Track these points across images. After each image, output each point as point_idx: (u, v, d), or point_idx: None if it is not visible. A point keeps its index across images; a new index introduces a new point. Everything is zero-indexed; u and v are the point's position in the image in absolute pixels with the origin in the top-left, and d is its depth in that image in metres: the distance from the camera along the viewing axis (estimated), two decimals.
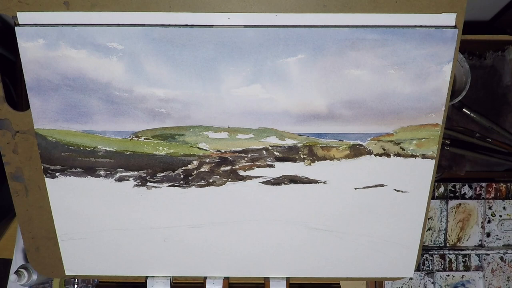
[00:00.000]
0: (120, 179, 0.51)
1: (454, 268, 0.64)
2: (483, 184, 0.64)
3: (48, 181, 0.51)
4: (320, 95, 0.48)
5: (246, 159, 0.50)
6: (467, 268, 0.64)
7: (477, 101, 0.63)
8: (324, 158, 0.50)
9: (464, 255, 0.64)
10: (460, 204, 0.64)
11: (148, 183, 0.51)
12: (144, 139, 0.49)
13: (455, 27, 0.45)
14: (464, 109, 0.62)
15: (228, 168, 0.51)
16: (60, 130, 0.49)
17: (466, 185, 0.64)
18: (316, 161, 0.50)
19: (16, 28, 0.45)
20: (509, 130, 0.64)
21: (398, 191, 0.52)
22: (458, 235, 0.64)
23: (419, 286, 0.64)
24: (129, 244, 0.55)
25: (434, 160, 0.50)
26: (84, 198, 0.52)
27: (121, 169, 0.51)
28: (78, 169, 0.51)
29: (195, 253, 0.55)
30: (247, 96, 0.48)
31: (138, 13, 0.45)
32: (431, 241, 0.64)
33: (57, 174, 0.51)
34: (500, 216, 0.64)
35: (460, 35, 0.45)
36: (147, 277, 0.57)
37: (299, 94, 0.48)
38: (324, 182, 0.51)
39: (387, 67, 0.46)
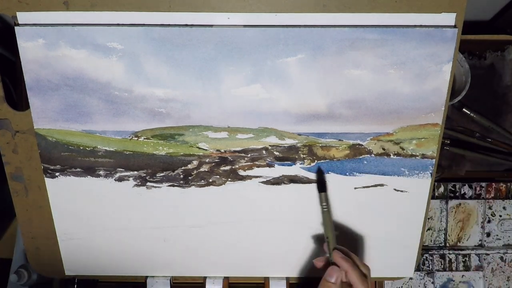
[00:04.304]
0: (120, 179, 0.51)
1: (454, 268, 0.64)
2: (483, 184, 0.64)
3: (48, 181, 0.51)
4: (320, 95, 0.48)
5: (246, 159, 0.50)
6: (467, 268, 0.64)
7: (477, 101, 0.63)
8: (324, 158, 0.50)
9: (464, 255, 0.64)
10: (460, 204, 0.64)
11: (148, 183, 0.51)
12: (144, 139, 0.49)
13: (454, 26, 0.45)
14: (464, 109, 0.62)
15: (228, 168, 0.51)
16: (60, 130, 0.49)
17: (466, 185, 0.64)
18: (316, 160, 0.50)
19: (16, 28, 0.45)
20: (509, 130, 0.64)
21: (398, 191, 0.52)
22: (458, 235, 0.64)
23: (419, 286, 0.64)
24: (129, 244, 0.55)
25: (434, 160, 0.50)
26: (84, 198, 0.52)
27: (121, 169, 0.51)
28: (78, 169, 0.51)
29: (195, 253, 0.55)
30: (247, 96, 0.48)
31: (138, 13, 0.45)
32: (431, 241, 0.64)
33: (57, 174, 0.51)
34: (500, 216, 0.64)
35: (460, 35, 0.45)
36: (147, 277, 0.57)
37: (299, 94, 0.48)
38: None
39: (386, 67, 0.46)
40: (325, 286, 0.45)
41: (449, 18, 0.45)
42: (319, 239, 0.54)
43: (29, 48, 0.46)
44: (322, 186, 0.50)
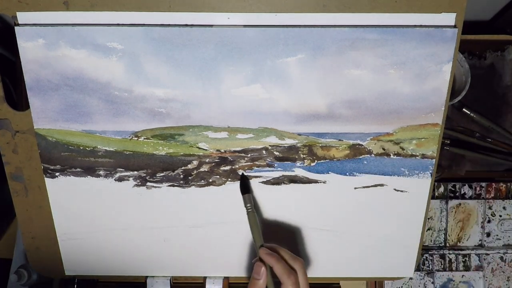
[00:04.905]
0: (120, 179, 0.51)
1: (454, 268, 0.64)
2: (483, 184, 0.64)
3: (48, 181, 0.51)
4: (320, 95, 0.48)
5: (246, 159, 0.50)
6: (467, 268, 0.64)
7: (477, 101, 0.63)
8: (324, 158, 0.50)
9: (464, 255, 0.64)
10: (460, 204, 0.64)
11: (148, 183, 0.51)
12: (144, 139, 0.49)
13: (454, 26, 0.45)
14: (464, 109, 0.62)
15: (228, 168, 0.51)
16: (60, 130, 0.49)
17: (466, 185, 0.64)
18: (316, 160, 0.50)
19: (16, 28, 0.45)
20: (509, 130, 0.64)
21: (398, 191, 0.52)
22: (458, 235, 0.64)
23: (419, 286, 0.64)
24: (129, 244, 0.55)
25: (434, 160, 0.50)
26: (84, 198, 0.52)
27: (121, 169, 0.51)
28: (78, 169, 0.51)
29: (195, 253, 0.55)
30: (247, 96, 0.48)
31: (138, 13, 0.45)
32: (431, 241, 0.64)
33: (57, 174, 0.51)
34: (500, 216, 0.64)
35: (460, 35, 0.45)
36: (147, 277, 0.57)
37: (299, 94, 0.48)
38: (324, 182, 0.51)
39: (386, 67, 0.46)
40: (253, 283, 0.45)
41: (449, 18, 0.45)
42: (318, 239, 0.54)
43: (29, 48, 0.46)
44: (245, 188, 0.51)
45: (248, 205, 0.50)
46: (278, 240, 0.54)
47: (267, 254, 0.46)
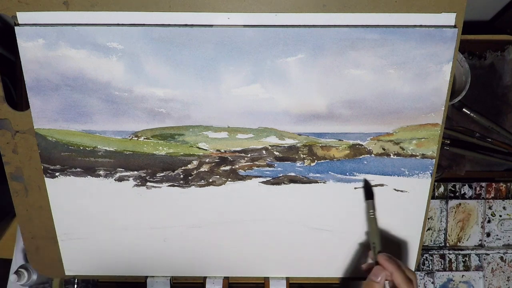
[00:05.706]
0: (120, 179, 0.51)
1: (454, 268, 0.64)
2: (483, 184, 0.64)
3: (48, 181, 0.51)
4: (320, 95, 0.48)
5: (246, 158, 0.50)
6: (467, 268, 0.64)
7: (477, 101, 0.63)
8: (324, 158, 0.50)
9: (464, 255, 0.64)
10: (460, 204, 0.64)
11: (148, 183, 0.51)
12: (144, 139, 0.49)
13: (454, 26, 0.45)
14: (464, 109, 0.62)
15: (228, 167, 0.51)
16: (60, 130, 0.49)
17: (466, 185, 0.64)
18: (316, 160, 0.50)
19: (16, 28, 0.45)
20: (509, 130, 0.64)
21: (398, 190, 0.52)
22: (458, 235, 0.64)
23: (419, 286, 0.64)
24: (129, 244, 0.55)
25: (434, 160, 0.50)
26: (84, 198, 0.52)
27: (121, 169, 0.51)
28: (78, 169, 0.51)
29: (195, 253, 0.55)
30: (247, 96, 0.48)
31: (138, 13, 0.45)
32: (431, 241, 0.64)
33: (57, 174, 0.51)
34: (500, 216, 0.64)
35: (460, 35, 0.45)
36: (147, 277, 0.57)
37: (299, 94, 0.48)
38: (324, 182, 0.51)
39: (387, 67, 0.46)
40: (370, 285, 0.46)
41: (449, 18, 0.45)
42: (318, 239, 0.54)
43: (29, 48, 0.46)
44: (369, 194, 0.51)
45: (371, 211, 0.50)
46: (278, 240, 0.54)
47: (388, 261, 0.46)
